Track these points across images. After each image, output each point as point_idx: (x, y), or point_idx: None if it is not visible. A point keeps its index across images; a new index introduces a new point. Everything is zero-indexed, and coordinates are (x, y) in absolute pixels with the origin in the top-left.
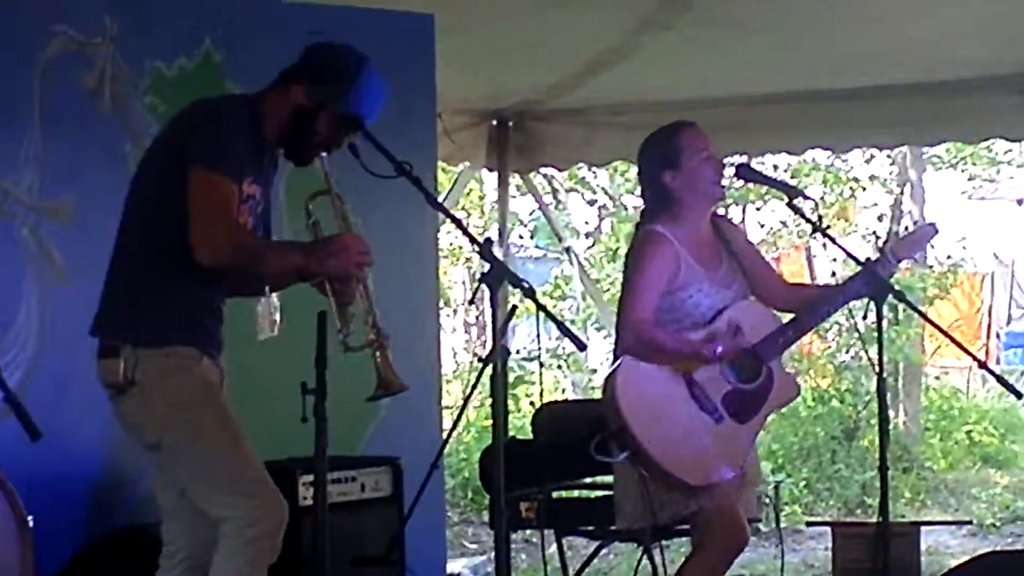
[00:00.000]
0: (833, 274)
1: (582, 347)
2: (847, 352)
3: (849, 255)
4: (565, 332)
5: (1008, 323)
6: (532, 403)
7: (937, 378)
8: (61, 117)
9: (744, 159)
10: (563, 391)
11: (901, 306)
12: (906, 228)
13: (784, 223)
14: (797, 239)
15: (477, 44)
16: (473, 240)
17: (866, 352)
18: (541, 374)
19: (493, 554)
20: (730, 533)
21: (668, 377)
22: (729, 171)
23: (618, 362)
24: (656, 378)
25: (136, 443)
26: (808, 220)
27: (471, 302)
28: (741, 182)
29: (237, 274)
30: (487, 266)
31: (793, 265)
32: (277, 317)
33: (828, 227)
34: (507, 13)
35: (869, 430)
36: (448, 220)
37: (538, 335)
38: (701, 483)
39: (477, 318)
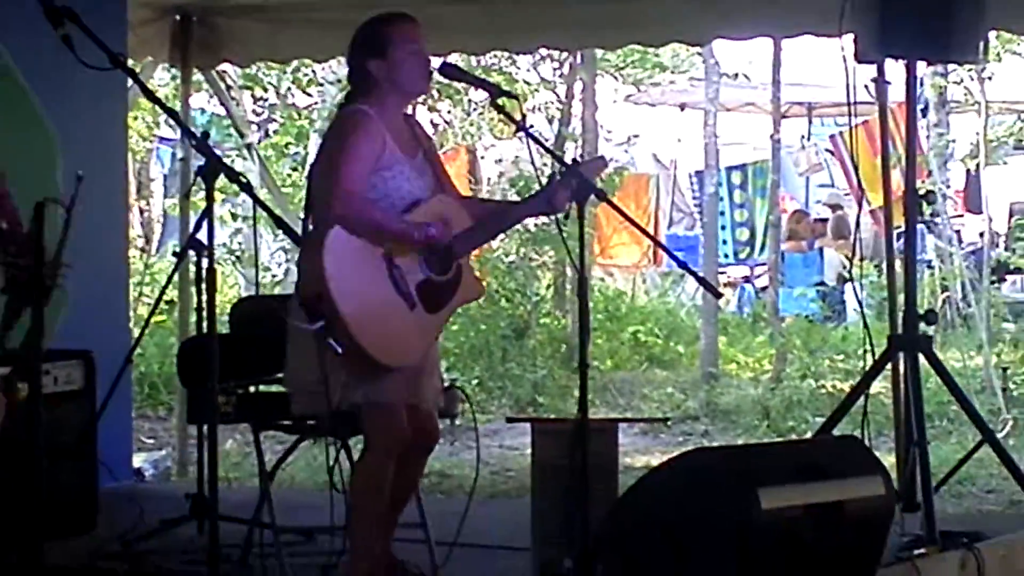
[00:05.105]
0: (501, 175)
1: (299, 240)
2: (517, 253)
3: (555, 157)
4: (281, 225)
5: (669, 226)
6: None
7: (602, 279)
8: None
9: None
10: (237, 287)
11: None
12: (573, 129)
13: (449, 123)
14: (461, 140)
15: None
16: (190, 135)
17: (565, 251)
18: (235, 267)
19: (170, 449)
20: (388, 428)
21: (372, 255)
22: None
23: (331, 229)
24: (362, 252)
25: None
26: (512, 119)
27: (186, 196)
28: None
29: None
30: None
31: (459, 165)
32: None
33: (532, 126)
34: None
35: (539, 329)
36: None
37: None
38: (390, 363)
39: (142, 212)
